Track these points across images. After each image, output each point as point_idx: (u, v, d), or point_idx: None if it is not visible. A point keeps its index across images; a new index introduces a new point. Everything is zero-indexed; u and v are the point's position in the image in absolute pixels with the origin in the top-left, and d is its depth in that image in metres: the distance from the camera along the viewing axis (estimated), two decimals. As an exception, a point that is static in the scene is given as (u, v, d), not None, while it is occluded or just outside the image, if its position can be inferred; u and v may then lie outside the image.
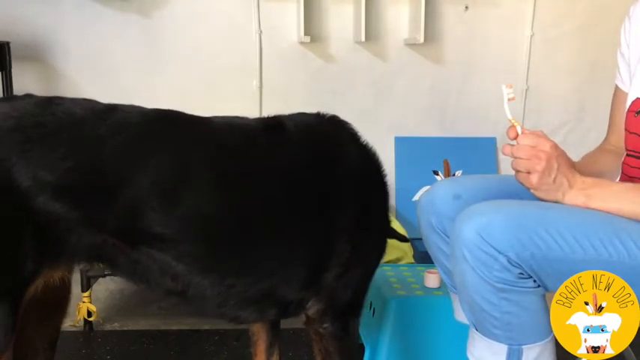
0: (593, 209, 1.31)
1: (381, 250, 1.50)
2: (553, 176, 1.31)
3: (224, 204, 1.27)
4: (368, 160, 1.47)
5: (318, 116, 1.47)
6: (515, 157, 1.33)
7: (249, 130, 1.37)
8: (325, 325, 1.39)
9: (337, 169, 1.39)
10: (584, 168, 1.43)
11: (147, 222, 1.22)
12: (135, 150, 1.23)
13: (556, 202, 1.34)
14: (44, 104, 1.24)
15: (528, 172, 1.32)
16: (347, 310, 1.42)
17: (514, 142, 1.35)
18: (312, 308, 1.40)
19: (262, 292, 1.34)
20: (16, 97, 1.29)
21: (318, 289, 1.38)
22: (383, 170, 1.50)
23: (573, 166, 1.37)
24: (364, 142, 1.49)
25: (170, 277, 1.29)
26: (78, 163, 1.20)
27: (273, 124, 1.39)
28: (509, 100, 1.36)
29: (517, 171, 1.34)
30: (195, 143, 1.29)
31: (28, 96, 1.28)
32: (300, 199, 1.34)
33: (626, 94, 1.51)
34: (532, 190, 1.34)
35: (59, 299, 1.43)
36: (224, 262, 1.30)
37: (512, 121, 1.36)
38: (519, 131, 1.35)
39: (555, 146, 1.33)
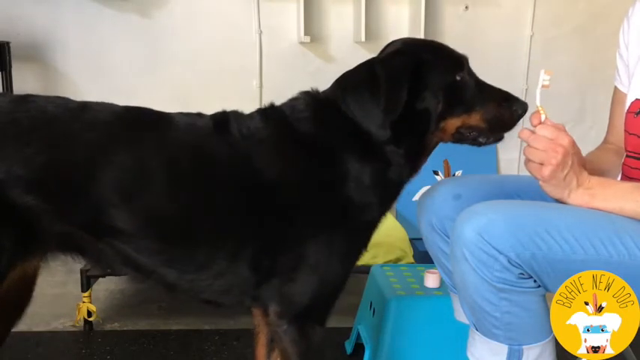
0: (596, 208, 1.31)
1: (345, 256, 1.38)
2: (565, 172, 1.30)
3: (172, 202, 1.29)
4: (315, 158, 1.34)
5: (259, 112, 1.40)
6: (531, 146, 1.31)
7: (199, 127, 1.35)
8: (283, 327, 1.37)
9: (278, 172, 1.32)
10: (588, 167, 1.43)
11: (109, 217, 1.26)
12: (100, 147, 1.27)
13: (560, 199, 1.33)
14: (19, 102, 1.29)
15: (541, 164, 1.30)
16: (305, 315, 1.37)
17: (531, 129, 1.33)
18: (270, 309, 1.38)
19: (223, 287, 1.36)
20: None
21: (270, 294, 1.36)
22: (337, 171, 1.34)
23: (584, 165, 1.36)
24: (319, 137, 1.35)
25: (133, 268, 1.34)
26: (49, 159, 1.24)
27: (219, 123, 1.36)
28: (543, 86, 1.36)
29: (529, 160, 1.32)
30: (153, 141, 1.30)
31: (3, 94, 1.35)
32: (238, 200, 1.31)
33: (625, 95, 1.51)
34: (541, 183, 1.33)
35: (20, 299, 1.44)
36: (179, 258, 1.33)
37: (540, 108, 1.35)
38: (542, 120, 1.33)
39: (573, 143, 1.31)
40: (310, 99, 1.40)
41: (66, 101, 1.32)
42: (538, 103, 1.36)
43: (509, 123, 1.40)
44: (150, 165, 1.27)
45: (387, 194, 1.40)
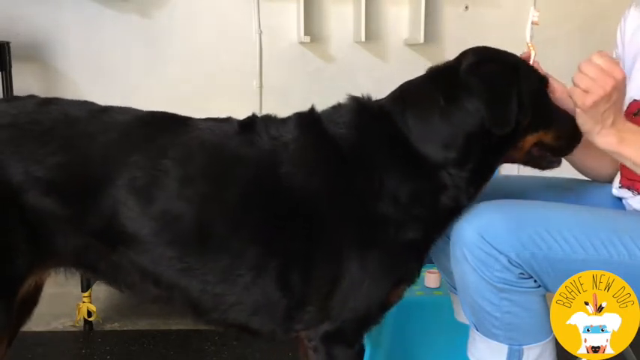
0: (619, 154, 1.27)
1: (379, 279, 1.28)
2: (607, 107, 1.24)
3: (193, 208, 1.24)
4: (347, 165, 1.27)
5: (295, 115, 1.34)
6: (581, 72, 1.25)
7: (222, 130, 1.31)
8: (312, 344, 1.32)
9: (301, 177, 1.25)
10: (583, 157, 1.43)
11: (123, 221, 1.23)
12: (117, 149, 1.24)
13: (589, 132, 1.27)
14: (42, 104, 1.28)
15: (586, 91, 1.23)
16: (335, 337, 1.31)
17: None
18: (301, 330, 1.33)
19: (250, 306, 1.28)
20: (19, 98, 1.33)
21: (302, 319, 1.30)
22: (370, 183, 1.26)
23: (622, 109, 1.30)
24: (354, 144, 1.28)
25: (152, 282, 1.28)
26: (66, 160, 1.22)
27: (245, 125, 1.32)
28: (532, 23, 1.35)
29: (575, 85, 1.25)
30: (174, 145, 1.26)
31: (31, 97, 1.32)
32: (257, 204, 1.25)
33: None
34: (577, 110, 1.27)
35: (31, 301, 1.43)
36: (197, 267, 1.25)
37: (530, 45, 1.34)
38: (533, 57, 1.32)
39: (625, 79, 1.25)
40: (357, 105, 1.33)
41: (89, 105, 1.31)
42: (527, 40, 1.35)
43: (573, 145, 1.37)
44: (166, 166, 1.24)
45: (435, 218, 1.30)
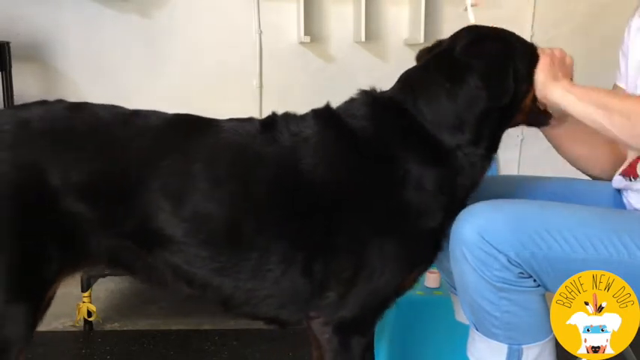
0: (566, 104, 1.31)
1: (397, 266, 1.32)
2: (556, 67, 1.34)
3: (218, 205, 1.27)
4: (368, 157, 1.31)
5: (312, 111, 1.38)
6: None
7: (245, 130, 1.34)
8: (326, 336, 1.34)
9: (323, 170, 1.29)
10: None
11: (158, 224, 1.25)
12: (150, 153, 1.27)
13: (543, 82, 1.33)
14: (74, 109, 1.31)
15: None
16: (349, 326, 1.33)
17: None
18: (314, 318, 1.35)
19: (280, 299, 1.32)
20: (48, 102, 1.34)
21: (319, 305, 1.32)
22: (393, 172, 1.30)
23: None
24: (374, 136, 1.32)
25: (186, 281, 1.32)
26: (103, 165, 1.25)
27: (266, 124, 1.35)
28: (472, 5, 1.40)
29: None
30: (200, 145, 1.30)
31: (60, 101, 1.34)
32: (283, 199, 1.29)
33: (625, 91, 1.51)
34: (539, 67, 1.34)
35: (48, 302, 1.42)
36: (230, 265, 1.29)
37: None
38: None
39: (570, 68, 1.39)
40: (369, 98, 1.37)
41: (118, 109, 1.34)
42: (472, 21, 1.38)
43: None
44: (196, 168, 1.27)
45: (453, 202, 1.33)
